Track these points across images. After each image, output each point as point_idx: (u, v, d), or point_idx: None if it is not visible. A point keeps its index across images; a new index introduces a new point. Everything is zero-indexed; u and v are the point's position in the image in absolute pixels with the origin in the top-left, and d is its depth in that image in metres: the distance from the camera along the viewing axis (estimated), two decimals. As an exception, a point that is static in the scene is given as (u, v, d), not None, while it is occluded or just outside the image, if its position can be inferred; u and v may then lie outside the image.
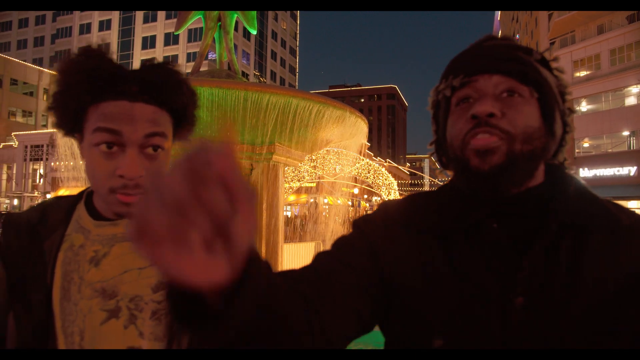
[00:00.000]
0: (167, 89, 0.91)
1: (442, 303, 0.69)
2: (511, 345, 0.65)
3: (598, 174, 28.77)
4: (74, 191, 1.06)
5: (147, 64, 0.95)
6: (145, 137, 0.88)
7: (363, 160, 20.29)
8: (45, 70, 46.39)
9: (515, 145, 0.70)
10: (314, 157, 17.90)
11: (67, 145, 7.45)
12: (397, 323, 0.75)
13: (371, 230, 0.79)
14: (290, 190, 20.22)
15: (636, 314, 0.65)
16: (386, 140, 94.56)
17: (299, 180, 19.54)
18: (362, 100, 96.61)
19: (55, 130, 0.97)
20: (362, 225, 0.81)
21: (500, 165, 0.70)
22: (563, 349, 0.63)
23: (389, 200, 0.84)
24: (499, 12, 73.33)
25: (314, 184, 21.21)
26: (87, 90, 0.87)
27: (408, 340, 0.72)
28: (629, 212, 0.74)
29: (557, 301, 0.66)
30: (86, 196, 0.99)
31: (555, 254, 0.68)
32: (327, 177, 19.79)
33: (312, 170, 19.15)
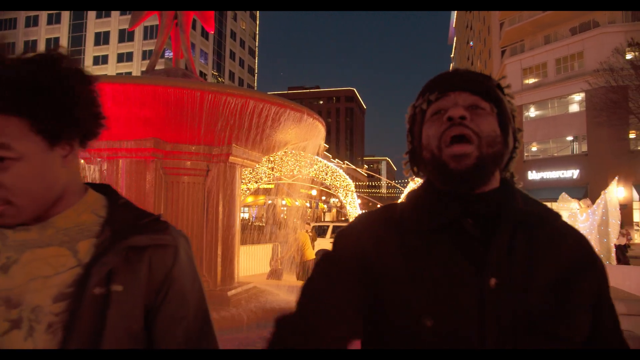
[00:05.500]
0: None
1: (428, 289, 0.83)
2: (488, 319, 0.79)
3: (545, 177, 30.17)
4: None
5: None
6: None
7: (321, 162, 20.37)
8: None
9: (483, 149, 0.87)
10: (271, 159, 17.82)
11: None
12: (388, 312, 0.86)
13: (353, 243, 0.92)
14: (248, 191, 20.04)
15: (575, 290, 0.84)
16: (344, 142, 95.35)
17: (256, 182, 19.40)
18: (321, 102, 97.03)
19: None
20: (344, 241, 0.95)
21: (472, 166, 0.86)
22: (530, 319, 0.79)
23: (364, 213, 0.99)
24: (454, 19, 75.57)
25: (272, 186, 21.11)
26: None
27: (399, 325, 0.84)
28: (559, 215, 0.94)
29: (520, 280, 0.82)
30: None
31: (514, 244, 0.85)
32: (285, 178, 19.76)
33: (270, 172, 19.06)
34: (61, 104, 0.86)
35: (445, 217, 0.88)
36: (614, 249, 9.42)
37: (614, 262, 9.45)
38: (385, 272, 0.87)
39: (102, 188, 1.03)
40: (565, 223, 0.94)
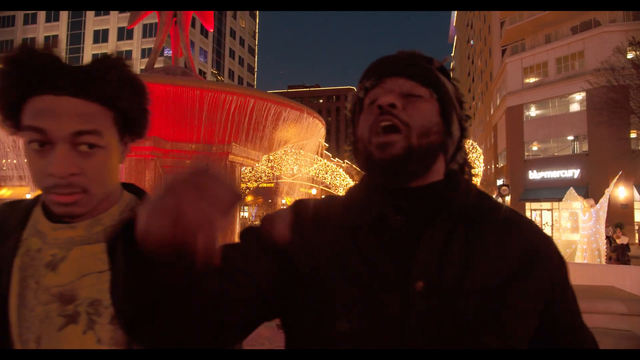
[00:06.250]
0: (94, 80, 0.86)
1: (347, 290, 0.75)
2: (410, 325, 0.71)
3: (545, 176, 30.16)
4: (17, 190, 1.00)
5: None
6: (73, 135, 0.83)
7: (321, 160, 20.37)
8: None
9: (412, 139, 0.79)
10: (271, 158, 17.82)
11: (9, 141, 7.05)
12: (306, 313, 0.78)
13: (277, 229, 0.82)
14: (248, 190, 20.05)
15: (516, 294, 0.75)
16: (344, 141, 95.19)
17: (256, 181, 19.41)
18: (321, 101, 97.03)
19: None
20: (269, 225, 0.84)
21: (398, 156, 0.78)
22: (458, 327, 0.71)
23: (301, 200, 0.91)
24: (455, 17, 75.55)
25: (272, 185, 21.12)
26: (16, 84, 0.83)
27: (314, 328, 0.77)
28: (507, 207, 0.86)
29: (452, 284, 0.73)
30: (43, 199, 0.95)
31: (449, 243, 0.77)
32: (285, 177, 19.76)
33: (270, 171, 19.07)
34: (136, 101, 0.93)
35: (372, 213, 0.81)
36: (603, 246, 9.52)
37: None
38: (308, 269, 0.79)
39: (129, 187, 1.06)
40: (516, 216, 0.84)
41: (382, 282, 0.74)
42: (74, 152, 0.84)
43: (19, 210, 0.95)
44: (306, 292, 0.78)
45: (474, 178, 0.92)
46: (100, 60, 0.89)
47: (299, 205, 0.89)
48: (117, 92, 0.88)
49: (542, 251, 0.81)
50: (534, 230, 0.84)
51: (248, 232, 0.84)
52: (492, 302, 0.73)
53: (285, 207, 0.89)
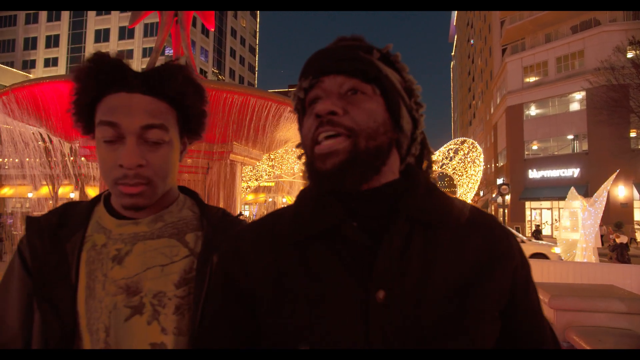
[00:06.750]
0: (162, 79, 0.94)
1: (300, 311, 0.71)
2: (374, 338, 0.67)
3: (545, 175, 30.15)
4: (19, 190, 1.04)
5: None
6: (142, 129, 0.91)
7: (322, 160, 20.34)
8: (-12, 61, 43.55)
9: (359, 143, 0.73)
10: (272, 157, 17.83)
11: (11, 141, 7.06)
12: (269, 335, 0.75)
13: (238, 269, 0.80)
14: (249, 189, 20.06)
15: (478, 298, 0.72)
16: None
17: (257, 180, 19.42)
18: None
19: None
20: (228, 268, 0.83)
21: (342, 163, 0.72)
22: (422, 337, 0.68)
23: (246, 226, 0.87)
24: (455, 17, 75.47)
25: (273, 183, 21.12)
26: (92, 86, 0.92)
27: (279, 348, 0.74)
28: (470, 207, 0.81)
29: (413, 292, 0.70)
30: (104, 198, 1.02)
31: (408, 249, 0.72)
32: (286, 176, 19.77)
33: (271, 170, 19.08)
34: (198, 101, 1.01)
35: (322, 222, 0.75)
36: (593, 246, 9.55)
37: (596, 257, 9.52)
38: (259, 299, 0.76)
39: (181, 189, 1.12)
40: (479, 216, 0.80)
41: (338, 297, 0.70)
42: (141, 146, 0.91)
43: (79, 210, 1.01)
44: (262, 323, 0.75)
45: (433, 165, 0.88)
46: (167, 64, 0.98)
47: (238, 234, 0.85)
48: (182, 92, 0.96)
49: (503, 252, 0.78)
50: (496, 230, 0.80)
51: (212, 306, 0.84)
52: (454, 308, 0.70)
53: (232, 238, 0.87)
